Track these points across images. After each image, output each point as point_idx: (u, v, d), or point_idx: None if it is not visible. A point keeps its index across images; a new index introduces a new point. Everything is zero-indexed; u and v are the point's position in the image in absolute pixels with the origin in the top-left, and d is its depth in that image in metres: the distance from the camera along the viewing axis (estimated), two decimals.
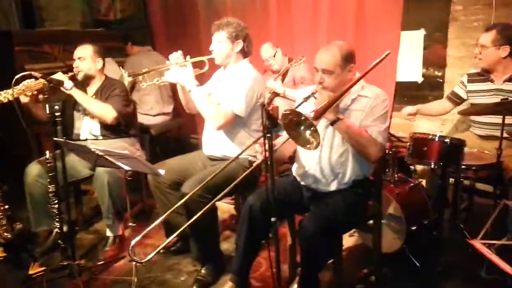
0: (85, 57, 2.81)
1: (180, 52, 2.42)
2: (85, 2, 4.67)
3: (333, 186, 2.12)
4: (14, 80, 2.28)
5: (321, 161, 2.12)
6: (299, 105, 2.09)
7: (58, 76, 2.61)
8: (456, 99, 2.87)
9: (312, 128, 1.79)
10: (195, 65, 2.45)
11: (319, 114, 1.85)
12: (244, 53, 2.54)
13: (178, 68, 2.37)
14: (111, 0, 4.75)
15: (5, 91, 2.37)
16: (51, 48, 3.68)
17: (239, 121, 2.45)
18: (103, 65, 2.90)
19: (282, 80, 3.64)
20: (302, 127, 1.83)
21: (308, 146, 1.85)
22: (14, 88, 2.32)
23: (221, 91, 2.53)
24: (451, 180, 2.63)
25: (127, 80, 2.42)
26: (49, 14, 4.33)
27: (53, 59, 3.65)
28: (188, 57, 2.42)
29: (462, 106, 2.90)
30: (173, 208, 2.07)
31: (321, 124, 2.08)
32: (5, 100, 2.35)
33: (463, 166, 2.35)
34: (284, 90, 3.53)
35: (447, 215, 2.69)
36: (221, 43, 2.46)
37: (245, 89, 2.39)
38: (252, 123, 2.51)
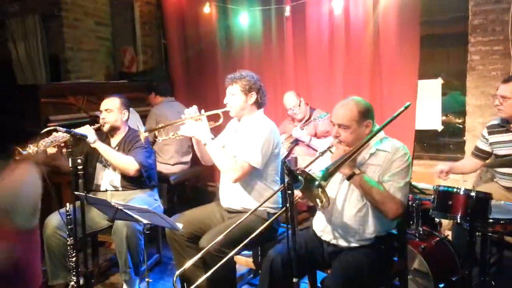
0: (112, 109, 2.88)
1: (195, 107, 2.46)
2: (110, 55, 4.87)
3: (353, 242, 2.06)
4: (39, 135, 2.35)
5: (340, 216, 2.07)
6: (314, 160, 2.08)
7: (85, 129, 2.67)
8: (482, 154, 2.83)
9: (320, 189, 1.78)
10: (210, 118, 2.48)
11: (328, 174, 1.83)
12: (258, 104, 2.55)
13: (193, 122, 2.41)
14: (135, 53, 4.95)
15: (32, 145, 2.41)
16: (75, 99, 3.78)
17: (256, 173, 2.44)
18: (128, 117, 2.98)
19: None
20: (313, 186, 1.81)
21: (318, 204, 1.83)
22: (42, 142, 2.39)
23: (236, 142, 2.54)
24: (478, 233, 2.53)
25: (143, 136, 2.46)
26: (74, 66, 4.53)
27: (77, 110, 3.75)
28: (202, 111, 2.46)
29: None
30: (191, 261, 2.03)
31: (339, 179, 2.06)
32: (33, 153, 2.39)
33: (490, 220, 2.26)
34: (310, 139, 3.55)
35: (476, 270, 2.55)
36: (235, 96, 2.49)
37: (260, 141, 2.39)
38: (269, 173, 2.50)
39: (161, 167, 3.75)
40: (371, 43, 3.66)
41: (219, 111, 2.51)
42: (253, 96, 2.51)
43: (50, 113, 3.52)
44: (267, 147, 2.42)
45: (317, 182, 1.79)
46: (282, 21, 4.12)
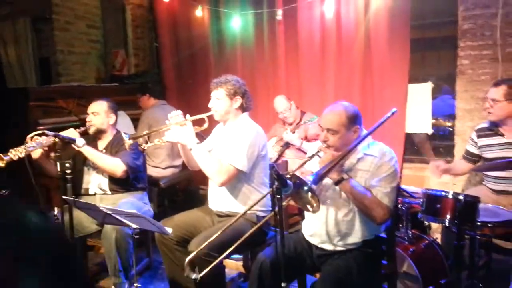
0: (99, 112, 2.86)
1: (180, 111, 2.45)
2: (101, 58, 4.85)
3: (341, 246, 2.06)
4: (26, 138, 2.33)
5: (327, 220, 2.07)
6: (302, 164, 2.08)
7: (70, 132, 2.64)
8: (472, 157, 2.84)
9: (310, 193, 1.78)
10: (195, 122, 2.47)
11: (319, 178, 1.83)
12: (243, 108, 2.55)
13: (178, 128, 2.39)
14: (126, 56, 4.92)
15: (16, 148, 2.35)
16: (65, 102, 3.74)
17: (243, 176, 2.43)
18: (116, 120, 2.96)
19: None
20: (303, 190, 1.82)
21: (309, 208, 1.83)
22: (26, 146, 2.35)
23: (222, 146, 2.53)
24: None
25: (127, 143, 2.44)
26: (65, 69, 4.49)
27: (67, 114, 3.71)
28: (188, 115, 2.44)
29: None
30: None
31: (326, 184, 2.06)
32: (16, 158, 2.32)
33: (478, 223, 2.27)
34: (301, 142, 3.55)
35: (464, 273, 2.56)
36: (220, 100, 2.49)
37: (246, 144, 2.39)
38: (256, 176, 2.49)
39: (152, 171, 3.73)
40: (362, 47, 3.67)
41: (204, 116, 2.49)
42: (238, 101, 2.50)
43: (39, 117, 3.49)
44: (253, 149, 2.41)
45: (307, 187, 1.79)
46: (274, 25, 4.13)
